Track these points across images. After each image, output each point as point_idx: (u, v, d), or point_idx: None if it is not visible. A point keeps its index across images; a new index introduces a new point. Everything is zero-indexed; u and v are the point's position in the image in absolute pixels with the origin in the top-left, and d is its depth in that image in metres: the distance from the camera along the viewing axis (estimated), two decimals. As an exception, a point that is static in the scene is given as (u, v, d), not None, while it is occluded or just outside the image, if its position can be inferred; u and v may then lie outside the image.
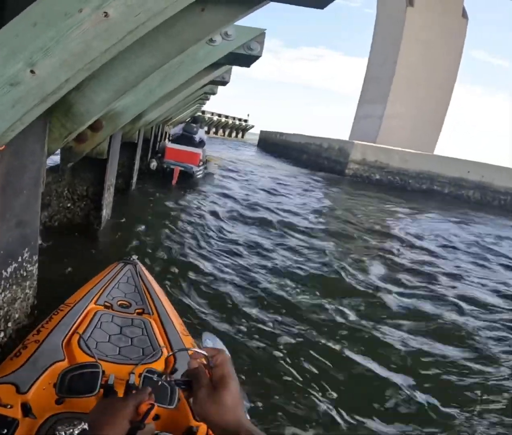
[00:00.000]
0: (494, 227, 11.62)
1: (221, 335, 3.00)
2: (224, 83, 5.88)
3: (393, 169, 18.13)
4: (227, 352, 0.96)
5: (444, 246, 7.95)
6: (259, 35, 3.84)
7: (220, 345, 2.18)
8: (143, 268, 2.24)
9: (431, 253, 7.25)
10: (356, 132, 26.88)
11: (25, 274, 2.33)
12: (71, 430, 0.77)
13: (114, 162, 5.15)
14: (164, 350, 1.55)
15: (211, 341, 2.14)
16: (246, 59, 4.11)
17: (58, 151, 3.86)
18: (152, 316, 1.81)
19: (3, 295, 2.09)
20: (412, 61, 23.66)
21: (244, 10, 2.30)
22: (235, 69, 5.06)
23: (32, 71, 1.14)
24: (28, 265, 2.36)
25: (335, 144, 20.19)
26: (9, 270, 2.10)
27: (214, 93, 7.96)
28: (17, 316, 2.35)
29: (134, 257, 2.28)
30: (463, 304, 4.83)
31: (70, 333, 1.54)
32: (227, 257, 5.29)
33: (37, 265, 2.51)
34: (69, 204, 4.99)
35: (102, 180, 4.82)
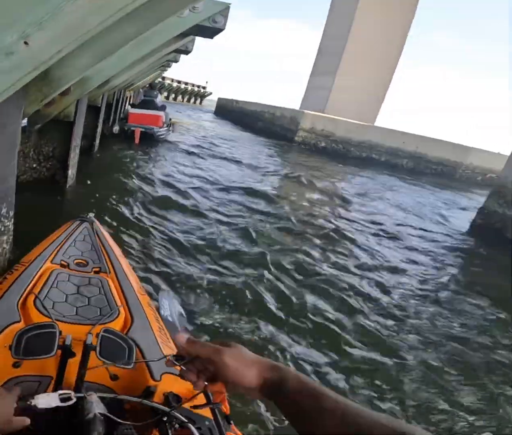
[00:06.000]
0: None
1: (177, 293, 3.05)
2: (187, 52, 5.76)
3: (338, 138, 18.48)
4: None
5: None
6: (224, 9, 3.80)
7: (176, 305, 2.11)
8: (100, 226, 2.08)
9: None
10: (307, 103, 26.89)
11: (2, 229, 2.29)
12: None
13: (80, 124, 4.97)
14: (121, 309, 1.45)
15: (167, 301, 2.04)
16: (211, 31, 4.06)
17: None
18: (109, 275, 1.70)
19: (-17, 249, 2.05)
20: (363, 36, 23.51)
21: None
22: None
23: (25, 43, 1.13)
24: (6, 220, 2.32)
25: (287, 113, 20.22)
26: (-11, 225, 2.05)
27: (176, 61, 7.74)
28: (-5, 270, 2.31)
29: (91, 214, 2.10)
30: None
31: (25, 293, 1.42)
32: (182, 214, 5.30)
33: (13, 220, 2.46)
34: (35, 165, 4.81)
35: (69, 141, 4.68)
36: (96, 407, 0.84)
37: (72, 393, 0.87)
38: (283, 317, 3.18)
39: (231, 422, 0.78)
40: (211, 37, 4.41)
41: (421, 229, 7.13)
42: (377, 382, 2.64)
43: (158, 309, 1.73)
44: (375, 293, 4.00)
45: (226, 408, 0.76)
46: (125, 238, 4.00)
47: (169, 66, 10.11)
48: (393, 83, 25.44)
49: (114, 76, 4.65)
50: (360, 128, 18.73)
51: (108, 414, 0.87)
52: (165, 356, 0.77)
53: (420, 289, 4.36)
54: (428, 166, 18.36)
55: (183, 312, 2.12)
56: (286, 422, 0.63)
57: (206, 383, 0.72)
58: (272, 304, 3.34)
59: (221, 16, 3.82)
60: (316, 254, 4.74)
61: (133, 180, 6.36)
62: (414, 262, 5.23)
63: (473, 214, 8.15)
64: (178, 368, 0.73)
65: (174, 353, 0.75)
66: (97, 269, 1.72)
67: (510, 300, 4.45)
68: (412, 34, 24.59)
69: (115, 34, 2.00)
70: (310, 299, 3.58)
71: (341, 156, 17.17)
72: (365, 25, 23.47)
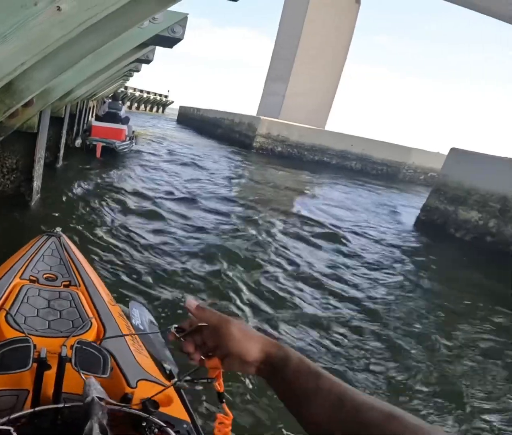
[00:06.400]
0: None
1: (147, 302, 2.96)
2: (148, 61, 5.72)
3: (292, 142, 18.66)
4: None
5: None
6: (182, 19, 3.82)
7: (146, 314, 2.01)
8: (68, 240, 2.01)
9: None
10: (263, 109, 26.65)
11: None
12: None
13: (44, 136, 4.78)
14: (93, 321, 1.42)
15: (137, 310, 1.97)
16: (170, 41, 4.06)
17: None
18: (79, 288, 1.65)
19: None
20: (312, 41, 23.62)
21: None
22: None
23: (-11, 55, 1.11)
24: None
25: (245, 120, 20.20)
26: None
27: (138, 71, 7.61)
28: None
29: (58, 229, 2.00)
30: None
31: None
32: (147, 223, 5.17)
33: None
34: (-2, 178, 4.60)
35: (32, 153, 4.51)
36: (94, 390, 0.81)
37: (12, 429, 0.79)
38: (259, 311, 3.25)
39: (224, 401, 0.78)
40: (171, 47, 4.41)
41: (370, 226, 7.35)
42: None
43: (129, 319, 1.71)
44: (333, 287, 4.12)
45: (220, 385, 0.75)
46: (93, 249, 3.85)
47: (131, 75, 9.90)
48: (340, 86, 25.97)
49: (77, 87, 4.53)
50: (311, 133, 18.99)
51: (108, 399, 0.83)
52: (168, 328, 0.76)
53: (373, 279, 4.55)
54: (374, 167, 18.82)
55: (153, 320, 2.10)
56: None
57: (202, 357, 0.71)
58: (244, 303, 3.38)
59: (180, 26, 3.83)
60: (280, 254, 4.83)
61: (99, 192, 6.13)
62: (365, 257, 5.39)
63: (417, 211, 8.50)
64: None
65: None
66: (67, 283, 1.68)
67: (459, 288, 4.73)
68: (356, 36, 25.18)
69: (77, 46, 1.96)
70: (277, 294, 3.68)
71: (296, 160, 17.36)
72: (314, 28, 23.53)
